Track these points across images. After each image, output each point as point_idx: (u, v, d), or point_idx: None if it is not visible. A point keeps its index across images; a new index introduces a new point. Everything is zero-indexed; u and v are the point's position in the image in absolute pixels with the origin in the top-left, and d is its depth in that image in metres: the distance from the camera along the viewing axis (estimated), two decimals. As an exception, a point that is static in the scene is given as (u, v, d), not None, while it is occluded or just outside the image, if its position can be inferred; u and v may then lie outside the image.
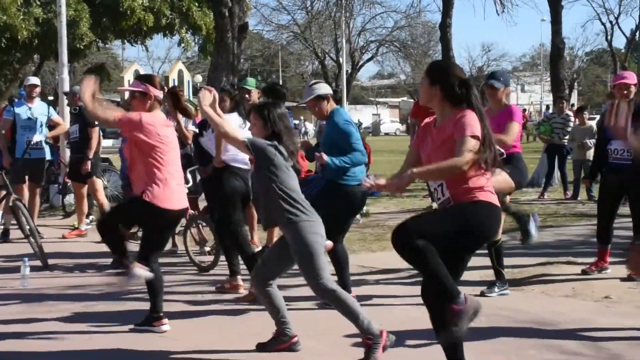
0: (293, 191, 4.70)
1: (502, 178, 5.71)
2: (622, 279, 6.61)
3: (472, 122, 3.88)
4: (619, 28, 49.90)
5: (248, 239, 6.83)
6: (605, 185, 6.93)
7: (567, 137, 13.04)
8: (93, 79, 5.43)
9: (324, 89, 5.96)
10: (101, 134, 10.69)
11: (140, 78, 5.62)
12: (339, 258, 5.89)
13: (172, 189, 5.28)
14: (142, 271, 5.17)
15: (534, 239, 6.17)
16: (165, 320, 5.38)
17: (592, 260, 7.01)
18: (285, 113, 4.91)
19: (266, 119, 4.78)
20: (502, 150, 6.04)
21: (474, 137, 3.84)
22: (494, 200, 3.98)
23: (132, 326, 5.40)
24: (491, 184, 4.03)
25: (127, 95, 6.59)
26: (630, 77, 6.73)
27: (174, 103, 5.84)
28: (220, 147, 6.53)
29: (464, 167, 3.80)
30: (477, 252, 4.16)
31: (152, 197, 5.18)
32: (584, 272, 6.88)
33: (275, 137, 4.76)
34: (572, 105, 13.65)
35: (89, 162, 9.42)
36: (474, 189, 3.91)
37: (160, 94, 5.44)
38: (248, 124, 6.78)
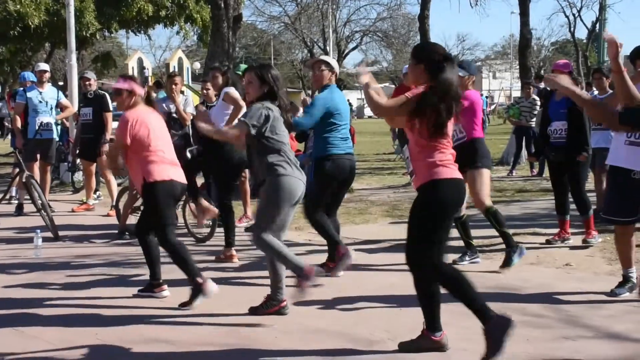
0: (283, 143, 4.70)
1: (486, 187, 5.94)
2: (581, 248, 6.66)
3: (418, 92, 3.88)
4: (581, 20, 49.75)
5: (232, 216, 6.66)
6: (550, 163, 7.03)
7: (534, 119, 13.06)
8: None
9: (333, 62, 5.92)
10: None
11: (124, 77, 5.51)
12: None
13: (167, 167, 5.21)
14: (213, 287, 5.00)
15: (510, 267, 5.92)
16: (165, 287, 5.37)
17: (555, 231, 7.05)
18: (279, 74, 4.87)
19: (262, 78, 4.74)
20: (465, 134, 6.01)
21: (408, 99, 3.84)
22: (453, 173, 3.92)
23: (135, 292, 5.40)
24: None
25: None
26: (564, 66, 6.86)
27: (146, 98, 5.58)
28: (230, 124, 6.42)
29: (379, 108, 3.91)
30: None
31: (153, 176, 5.12)
32: (547, 242, 6.93)
33: (269, 96, 4.73)
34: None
35: (106, 144, 9.41)
36: (432, 165, 3.87)
37: (142, 92, 5.38)
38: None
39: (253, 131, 4.62)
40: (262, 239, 4.61)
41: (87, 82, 9.66)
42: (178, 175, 5.29)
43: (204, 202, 6.30)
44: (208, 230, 7.48)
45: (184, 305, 4.99)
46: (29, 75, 10.46)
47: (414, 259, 3.94)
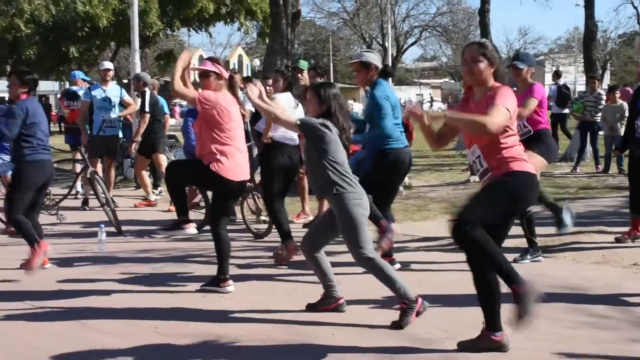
0: (340, 164, 4.62)
1: (537, 161, 5.58)
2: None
3: (508, 95, 3.82)
4: (651, 11, 47.84)
5: (283, 211, 6.50)
6: (632, 157, 6.74)
7: (599, 114, 12.69)
8: (189, 53, 5.51)
9: (370, 58, 5.80)
10: (168, 113, 10.81)
11: (211, 59, 5.58)
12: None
13: (237, 162, 5.33)
14: (191, 230, 5.48)
15: (568, 229, 5.87)
16: (231, 282, 5.39)
17: (622, 229, 6.80)
18: (339, 93, 4.84)
19: (321, 97, 4.72)
20: (530, 128, 5.87)
21: (507, 109, 3.73)
22: (529, 168, 3.88)
23: (197, 287, 5.43)
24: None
25: (192, 74, 6.50)
26: None
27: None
28: (269, 126, 6.49)
29: (490, 128, 3.61)
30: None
31: (219, 169, 5.24)
32: (617, 240, 6.66)
33: (328, 115, 4.71)
34: (618, 87, 13.25)
35: (134, 144, 9.59)
36: (509, 160, 3.81)
37: (227, 76, 5.46)
38: (300, 106, 6.73)
39: (300, 132, 4.63)
40: (364, 255, 4.49)
41: (139, 83, 9.91)
42: (243, 171, 5.39)
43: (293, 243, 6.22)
44: (266, 226, 7.50)
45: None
46: (79, 74, 10.84)
47: (464, 231, 3.72)
